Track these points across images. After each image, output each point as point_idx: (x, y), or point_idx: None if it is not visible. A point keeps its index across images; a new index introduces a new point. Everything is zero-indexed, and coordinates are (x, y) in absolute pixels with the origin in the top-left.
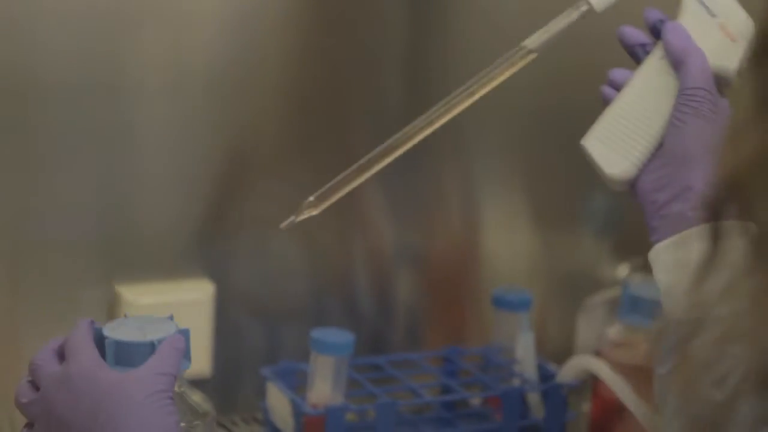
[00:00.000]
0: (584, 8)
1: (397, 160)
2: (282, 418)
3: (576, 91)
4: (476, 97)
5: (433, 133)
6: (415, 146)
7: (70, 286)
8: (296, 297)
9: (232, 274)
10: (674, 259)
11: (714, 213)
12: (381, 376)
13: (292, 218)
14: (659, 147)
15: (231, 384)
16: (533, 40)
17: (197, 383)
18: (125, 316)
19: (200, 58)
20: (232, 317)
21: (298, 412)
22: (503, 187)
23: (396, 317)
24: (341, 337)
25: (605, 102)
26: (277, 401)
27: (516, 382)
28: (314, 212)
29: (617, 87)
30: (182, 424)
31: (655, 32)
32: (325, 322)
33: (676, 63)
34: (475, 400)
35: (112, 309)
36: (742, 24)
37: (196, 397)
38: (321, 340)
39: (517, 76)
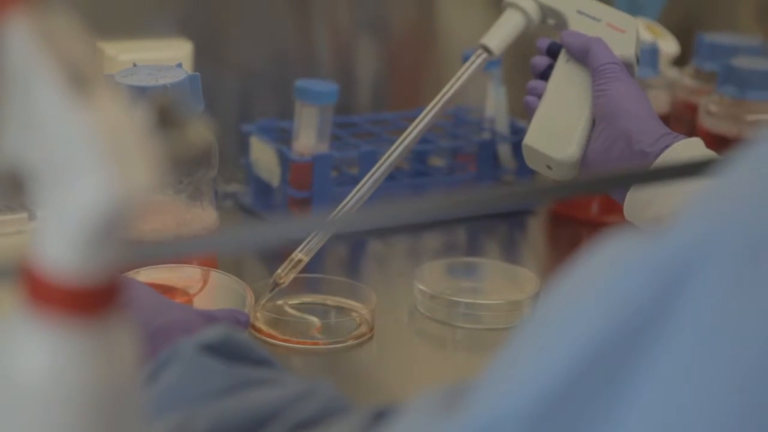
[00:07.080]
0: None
1: None
2: (268, 170)
3: None
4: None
5: None
6: None
7: None
8: (273, 56)
9: (210, 33)
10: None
11: None
12: (360, 132)
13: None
14: (593, 125)
15: None
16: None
17: None
18: (134, 65)
19: None
20: (209, 75)
21: (284, 161)
22: None
23: (360, 82)
24: (326, 86)
25: (530, 110)
26: (262, 154)
27: (487, 136)
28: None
29: (537, 95)
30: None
31: (552, 54)
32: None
33: (581, 55)
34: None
35: None
36: (625, 18)
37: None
38: (306, 89)
39: None
